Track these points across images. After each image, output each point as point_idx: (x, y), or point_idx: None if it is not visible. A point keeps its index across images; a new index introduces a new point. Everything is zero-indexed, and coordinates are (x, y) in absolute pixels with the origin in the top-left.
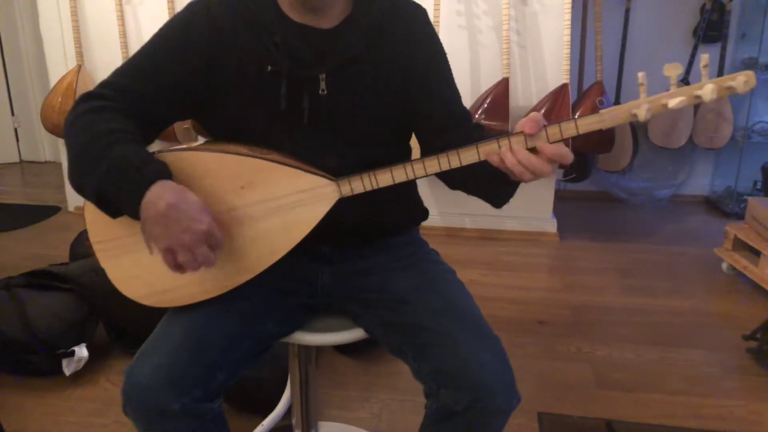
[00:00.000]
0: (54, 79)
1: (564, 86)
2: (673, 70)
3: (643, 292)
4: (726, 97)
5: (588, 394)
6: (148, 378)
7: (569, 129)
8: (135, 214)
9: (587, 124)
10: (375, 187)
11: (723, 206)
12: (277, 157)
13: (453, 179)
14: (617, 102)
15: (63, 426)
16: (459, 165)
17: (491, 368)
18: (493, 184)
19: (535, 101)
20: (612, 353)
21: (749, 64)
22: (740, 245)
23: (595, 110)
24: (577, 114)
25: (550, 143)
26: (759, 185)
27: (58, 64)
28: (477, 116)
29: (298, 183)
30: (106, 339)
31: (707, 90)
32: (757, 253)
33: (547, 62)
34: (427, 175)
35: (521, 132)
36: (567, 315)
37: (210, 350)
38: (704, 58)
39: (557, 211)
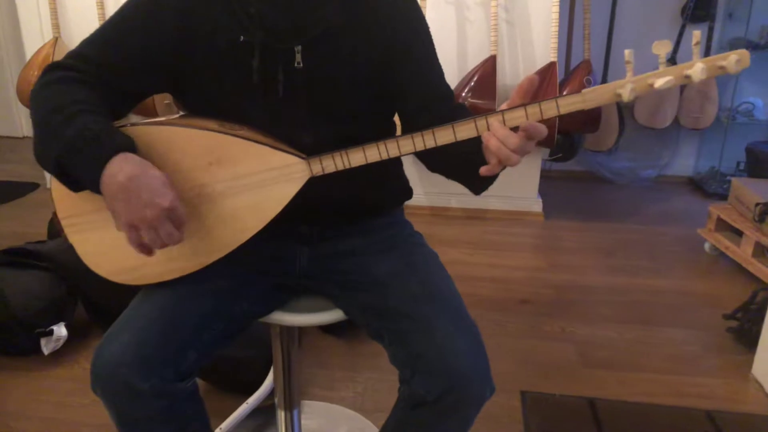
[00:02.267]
0: (30, 52)
1: (552, 64)
2: (663, 48)
3: (627, 272)
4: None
5: (570, 372)
6: (117, 356)
7: (550, 109)
8: (95, 188)
9: (568, 104)
10: (347, 166)
11: (707, 187)
12: (248, 133)
13: (433, 162)
14: (605, 81)
15: (41, 405)
16: (434, 145)
17: (467, 356)
18: (471, 171)
19: (522, 79)
20: (595, 332)
21: (736, 44)
22: (723, 225)
23: (582, 89)
24: (564, 92)
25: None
26: (742, 166)
27: (35, 37)
28: (464, 94)
29: (268, 161)
30: (86, 318)
31: (697, 69)
32: (739, 233)
33: (535, 40)
34: (401, 155)
35: (500, 111)
36: (550, 294)
37: (181, 329)
38: (696, 35)
39: (543, 191)
